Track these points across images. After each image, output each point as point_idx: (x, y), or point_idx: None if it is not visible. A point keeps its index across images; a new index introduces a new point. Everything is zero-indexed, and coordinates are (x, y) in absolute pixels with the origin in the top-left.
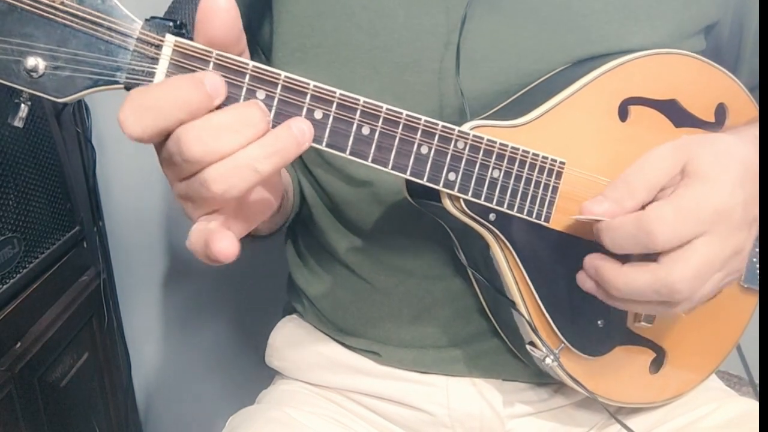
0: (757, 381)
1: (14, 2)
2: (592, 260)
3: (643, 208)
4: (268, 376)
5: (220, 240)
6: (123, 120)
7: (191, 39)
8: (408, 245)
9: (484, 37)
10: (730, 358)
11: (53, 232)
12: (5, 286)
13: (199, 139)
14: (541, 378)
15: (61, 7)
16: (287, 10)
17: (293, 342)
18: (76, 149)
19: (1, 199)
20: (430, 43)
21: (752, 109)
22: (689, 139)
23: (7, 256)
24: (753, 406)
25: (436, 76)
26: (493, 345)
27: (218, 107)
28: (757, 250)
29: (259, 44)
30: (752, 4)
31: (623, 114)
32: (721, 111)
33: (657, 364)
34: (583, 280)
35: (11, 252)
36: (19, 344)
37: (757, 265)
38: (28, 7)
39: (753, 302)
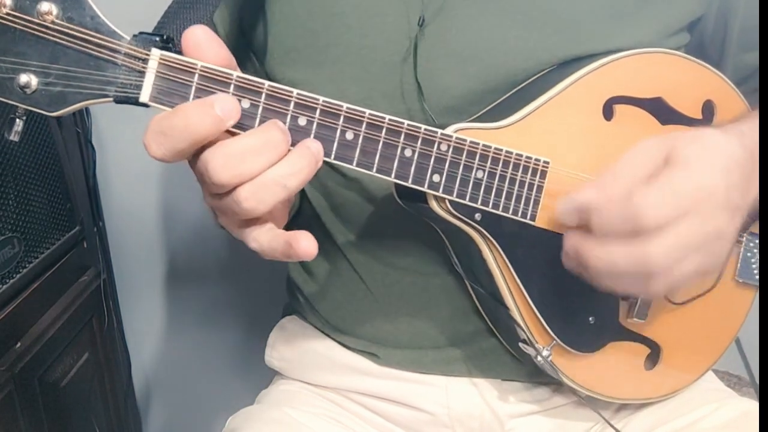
0: (757, 381)
1: (7, 23)
2: (570, 237)
3: None
4: (268, 376)
5: (301, 240)
6: (146, 144)
7: (178, 52)
8: (402, 243)
9: (472, 36)
10: (731, 359)
11: (53, 232)
12: (5, 286)
13: (226, 165)
14: (539, 377)
15: (51, 26)
16: (280, 11)
17: (293, 342)
18: (76, 149)
19: (1, 199)
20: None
21: (740, 104)
22: (675, 133)
23: (7, 256)
24: (753, 406)
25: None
26: (491, 344)
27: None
28: (752, 244)
29: (252, 46)
30: None
31: (608, 113)
32: (708, 108)
33: (652, 360)
34: (566, 259)
35: (11, 252)
36: (19, 344)
37: (752, 260)
38: (20, 27)
39: (749, 297)
